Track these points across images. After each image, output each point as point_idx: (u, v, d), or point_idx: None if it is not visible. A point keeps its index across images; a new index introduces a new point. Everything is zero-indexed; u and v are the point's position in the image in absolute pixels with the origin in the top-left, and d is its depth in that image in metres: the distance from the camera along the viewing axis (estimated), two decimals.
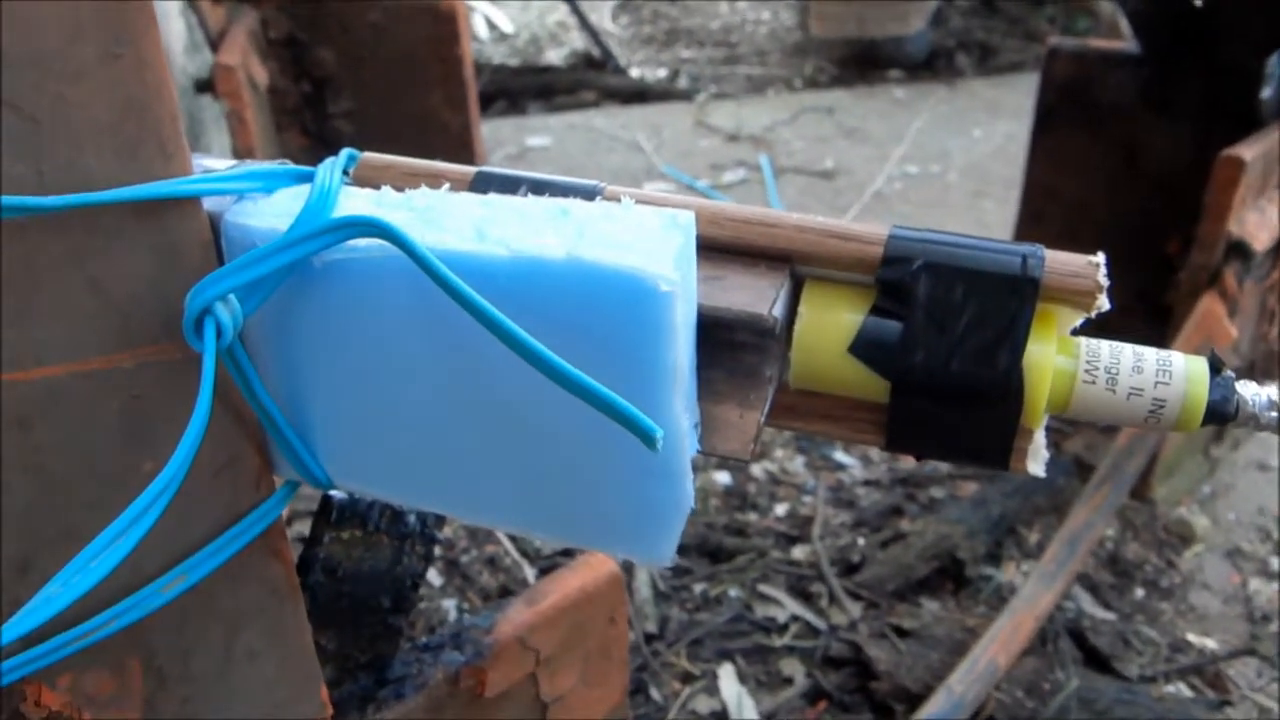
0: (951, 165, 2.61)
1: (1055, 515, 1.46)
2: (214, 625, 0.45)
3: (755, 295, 0.38)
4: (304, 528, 1.20)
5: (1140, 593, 1.37)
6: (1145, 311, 1.49)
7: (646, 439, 0.30)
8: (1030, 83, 1.66)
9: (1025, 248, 0.38)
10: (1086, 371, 0.39)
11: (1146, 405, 0.39)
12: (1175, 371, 0.39)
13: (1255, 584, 1.39)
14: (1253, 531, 1.48)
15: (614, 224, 0.34)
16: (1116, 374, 0.39)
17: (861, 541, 1.44)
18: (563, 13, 3.54)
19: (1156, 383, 0.39)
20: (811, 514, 1.48)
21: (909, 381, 0.39)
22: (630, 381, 0.33)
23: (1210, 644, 1.30)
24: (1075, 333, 0.40)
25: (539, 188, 0.41)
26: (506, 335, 0.31)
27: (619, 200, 0.37)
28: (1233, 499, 1.53)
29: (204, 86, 1.61)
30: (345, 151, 0.43)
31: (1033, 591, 1.22)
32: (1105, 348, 0.40)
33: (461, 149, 1.78)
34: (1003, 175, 2.47)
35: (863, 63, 3.16)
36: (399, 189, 0.39)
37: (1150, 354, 0.40)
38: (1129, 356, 0.40)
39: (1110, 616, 1.33)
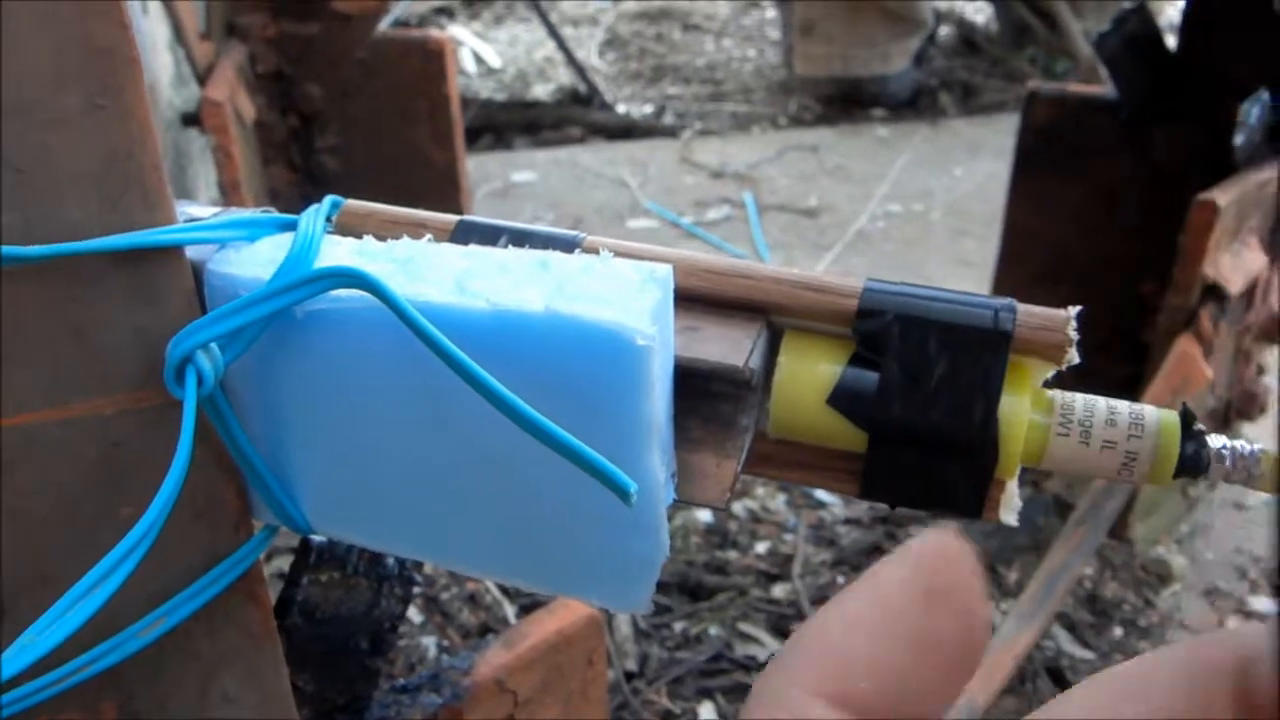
0: (934, 204, 2.63)
1: (1034, 554, 1.46)
2: (190, 669, 0.45)
3: (731, 346, 0.39)
4: (283, 563, 1.20)
5: (1119, 631, 1.38)
6: (1124, 349, 1.50)
7: (621, 494, 0.31)
8: (1011, 122, 1.67)
9: (997, 301, 0.39)
10: (1060, 424, 0.40)
11: (1119, 458, 0.39)
12: (1148, 425, 0.39)
13: (1233, 623, 1.40)
14: (1230, 570, 1.49)
15: (593, 278, 0.35)
16: (1090, 427, 0.40)
17: (842, 580, 1.44)
18: (550, 48, 3.56)
19: (1130, 436, 0.39)
20: (792, 552, 1.49)
21: (885, 433, 0.39)
22: (607, 435, 0.34)
23: None
24: (1050, 384, 0.41)
25: (519, 238, 0.41)
26: (484, 388, 0.32)
27: (598, 252, 0.38)
28: (1211, 538, 1.54)
29: (191, 120, 1.61)
30: (328, 198, 0.44)
31: (1011, 630, 1.22)
32: (1079, 400, 0.40)
33: (447, 184, 1.79)
34: (984, 214, 2.48)
35: (847, 101, 3.18)
36: (381, 238, 0.40)
37: (1124, 407, 0.40)
38: (1102, 409, 0.40)
39: (1089, 655, 1.33)
